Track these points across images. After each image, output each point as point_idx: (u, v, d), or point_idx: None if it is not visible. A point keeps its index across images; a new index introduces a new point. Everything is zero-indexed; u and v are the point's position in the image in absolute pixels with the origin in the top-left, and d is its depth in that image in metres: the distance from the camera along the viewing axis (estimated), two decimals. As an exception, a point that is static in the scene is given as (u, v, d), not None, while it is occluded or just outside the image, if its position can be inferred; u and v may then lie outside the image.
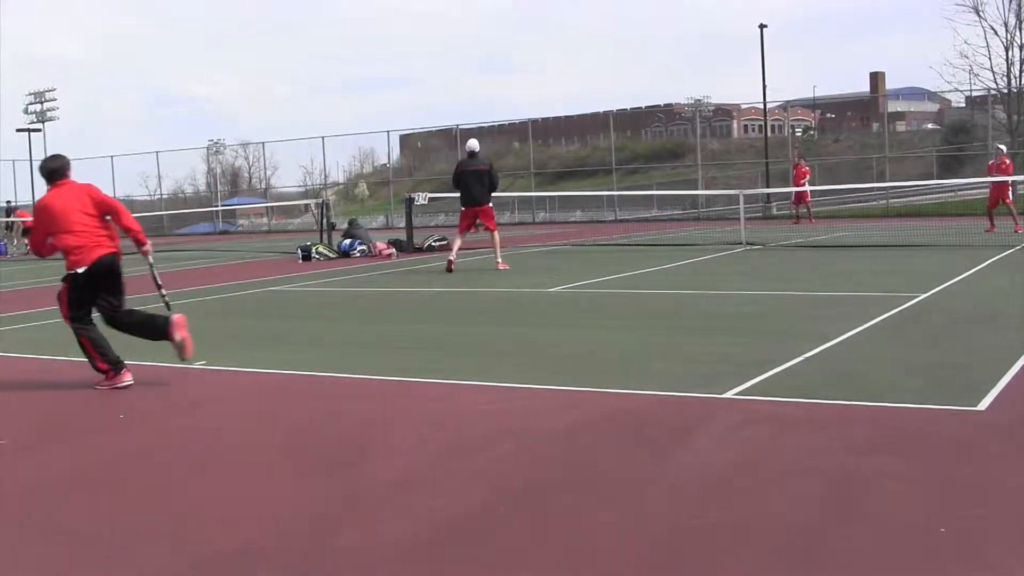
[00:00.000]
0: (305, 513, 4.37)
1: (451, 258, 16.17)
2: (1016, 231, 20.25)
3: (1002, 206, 21.60)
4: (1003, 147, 23.52)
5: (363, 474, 4.95)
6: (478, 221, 16.70)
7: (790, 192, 33.78)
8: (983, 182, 22.88)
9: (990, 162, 22.85)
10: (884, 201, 35.69)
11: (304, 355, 8.62)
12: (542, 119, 57.58)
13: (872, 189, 34.68)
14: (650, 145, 69.74)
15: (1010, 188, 21.72)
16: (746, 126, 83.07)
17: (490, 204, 16.56)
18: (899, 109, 73.86)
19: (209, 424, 6.33)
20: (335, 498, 4.58)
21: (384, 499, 4.53)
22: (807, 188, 28.70)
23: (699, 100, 59.60)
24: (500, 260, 16.32)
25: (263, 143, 52.34)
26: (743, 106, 75.44)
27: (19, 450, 5.80)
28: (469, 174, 16.25)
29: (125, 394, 7.28)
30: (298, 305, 13.21)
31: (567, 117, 66.02)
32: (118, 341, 7.79)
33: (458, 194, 16.83)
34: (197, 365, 8.06)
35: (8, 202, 37.22)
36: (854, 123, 78.81)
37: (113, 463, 5.44)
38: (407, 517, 4.23)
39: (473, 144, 16.88)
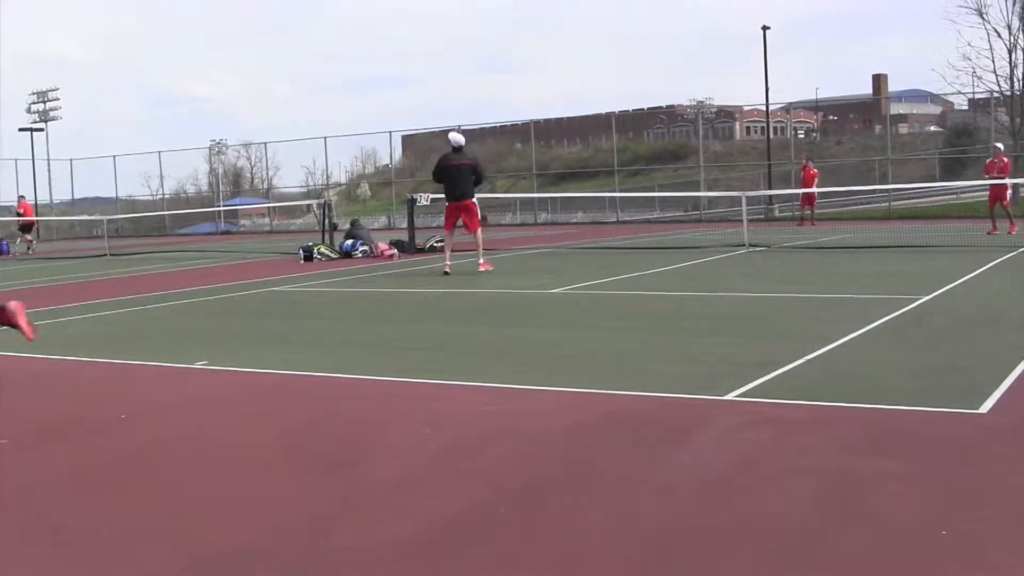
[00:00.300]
0: (303, 513, 4.37)
1: (447, 263, 15.73)
2: (1010, 231, 20.23)
3: (999, 207, 21.58)
4: (1000, 146, 23.51)
5: (362, 474, 4.94)
6: (460, 221, 16.19)
7: (791, 194, 33.82)
8: (986, 184, 22.85)
9: (989, 160, 22.85)
10: (887, 203, 35.66)
11: (304, 355, 8.61)
12: (544, 120, 57.53)
13: (875, 191, 34.64)
14: (652, 147, 69.75)
15: (1008, 189, 21.70)
16: (748, 128, 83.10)
17: (474, 200, 16.16)
18: (901, 111, 73.84)
19: (209, 424, 6.32)
20: (333, 498, 4.58)
21: (382, 499, 4.52)
22: (816, 190, 28.69)
23: (701, 102, 59.68)
24: (483, 260, 15.89)
25: (265, 143, 52.44)
26: (745, 108, 75.48)
27: (18, 450, 5.79)
28: (454, 169, 15.83)
29: (126, 394, 7.28)
30: (299, 305, 13.21)
31: (569, 118, 66.01)
32: (120, 340, 7.78)
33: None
34: (198, 365, 8.06)
35: (21, 197, 37.14)
36: (856, 125, 78.82)
37: (112, 463, 5.43)
38: (405, 517, 4.22)
39: (458, 138, 16.30)
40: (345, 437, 5.75)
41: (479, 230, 16.29)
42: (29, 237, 33.47)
